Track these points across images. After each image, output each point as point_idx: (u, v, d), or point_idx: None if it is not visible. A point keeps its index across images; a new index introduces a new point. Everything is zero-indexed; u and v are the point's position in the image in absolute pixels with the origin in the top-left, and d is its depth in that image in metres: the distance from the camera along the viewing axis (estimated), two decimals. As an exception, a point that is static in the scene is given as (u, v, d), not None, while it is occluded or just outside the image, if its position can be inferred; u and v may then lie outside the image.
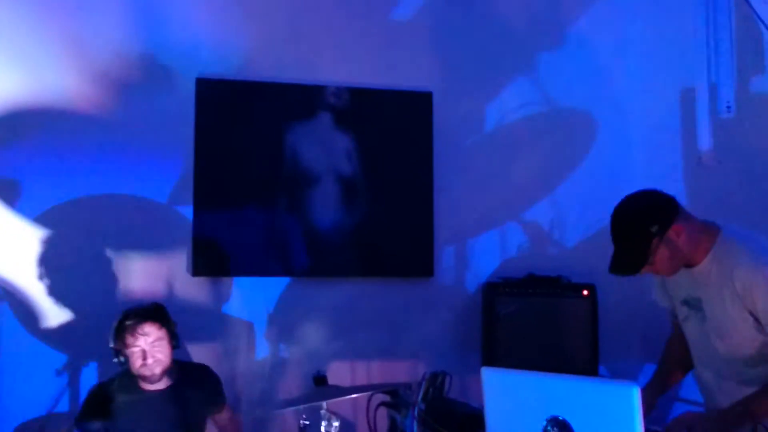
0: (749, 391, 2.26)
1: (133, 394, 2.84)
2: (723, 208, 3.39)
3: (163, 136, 3.52)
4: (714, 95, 3.14)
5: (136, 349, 2.76)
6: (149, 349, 2.76)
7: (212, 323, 3.54)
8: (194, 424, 2.91)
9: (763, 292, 2.21)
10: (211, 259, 3.51)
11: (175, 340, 2.87)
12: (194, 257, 3.48)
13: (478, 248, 3.84)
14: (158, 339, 2.78)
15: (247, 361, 3.56)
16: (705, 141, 3.09)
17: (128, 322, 2.77)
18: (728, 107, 2.97)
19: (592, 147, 3.97)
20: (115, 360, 2.82)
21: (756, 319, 2.25)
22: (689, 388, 3.20)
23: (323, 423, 2.16)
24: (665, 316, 2.86)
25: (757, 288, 2.21)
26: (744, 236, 2.35)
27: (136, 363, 2.77)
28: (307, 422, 2.61)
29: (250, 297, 3.60)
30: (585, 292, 3.61)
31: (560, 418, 1.65)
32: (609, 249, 3.84)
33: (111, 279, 3.44)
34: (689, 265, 2.37)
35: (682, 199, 3.50)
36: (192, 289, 3.51)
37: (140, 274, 3.46)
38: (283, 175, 3.60)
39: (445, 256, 3.79)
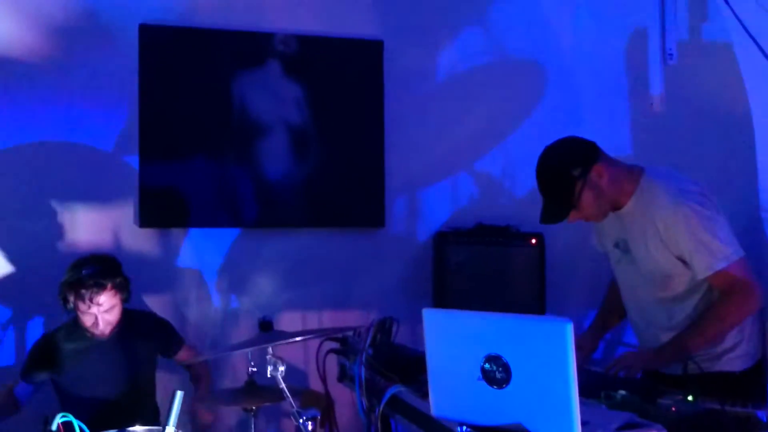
0: (676, 327, 2.35)
1: (81, 342, 2.83)
2: (671, 154, 3.45)
3: (107, 84, 3.43)
4: (662, 43, 3.18)
5: (88, 316, 2.73)
6: (101, 315, 2.74)
7: (162, 274, 3.50)
8: (142, 371, 2.92)
9: (683, 230, 2.28)
10: (159, 210, 3.46)
11: (127, 299, 2.84)
12: (141, 208, 3.43)
13: (429, 198, 3.86)
14: (112, 306, 2.75)
15: (198, 312, 3.54)
16: (656, 87, 3.13)
17: (83, 289, 2.68)
18: (670, 55, 3.01)
19: (543, 96, 3.98)
20: (63, 306, 2.78)
21: (679, 258, 2.33)
22: (632, 333, 3.31)
23: (269, 368, 2.17)
24: (609, 263, 2.93)
25: (676, 227, 2.29)
26: (665, 176, 2.41)
27: (86, 323, 2.75)
28: (254, 369, 2.63)
29: (199, 248, 3.56)
30: (533, 241, 3.67)
31: (497, 355, 1.68)
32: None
33: (55, 230, 3.37)
34: (616, 208, 2.44)
35: (631, 146, 3.58)
36: (140, 240, 3.46)
37: (86, 225, 3.40)
38: (232, 125, 3.55)
39: (396, 206, 3.80)
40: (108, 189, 3.45)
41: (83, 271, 2.71)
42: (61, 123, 3.38)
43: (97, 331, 2.76)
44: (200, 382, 3.04)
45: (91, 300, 2.69)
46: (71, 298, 2.72)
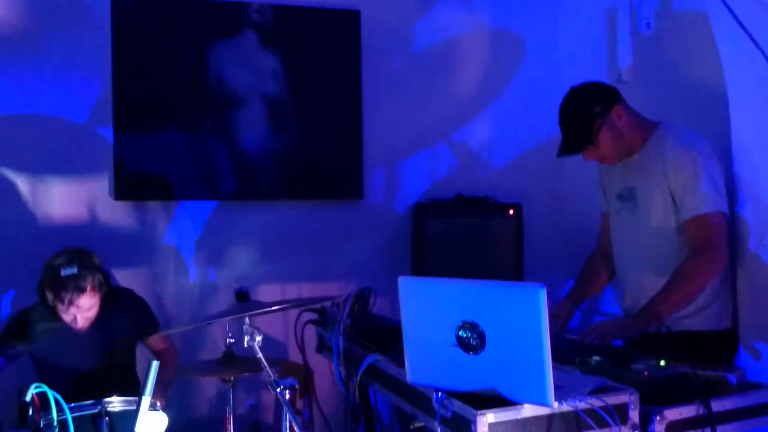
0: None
1: (57, 321, 2.80)
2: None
3: (80, 55, 3.37)
4: (635, 13, 3.17)
5: (67, 315, 2.70)
6: (80, 315, 2.71)
7: (138, 248, 3.48)
8: (120, 345, 2.90)
9: (687, 169, 2.38)
10: (134, 183, 3.42)
11: (107, 292, 2.79)
12: (116, 180, 3.39)
13: (407, 170, 3.85)
14: (91, 306, 2.72)
15: (175, 286, 3.53)
16: (625, 58, 3.14)
17: (63, 293, 2.62)
18: (648, 24, 3.00)
19: (520, 67, 3.98)
20: (41, 298, 2.73)
21: (672, 198, 2.41)
22: (609, 303, 3.34)
23: (246, 338, 2.16)
24: (587, 235, 2.95)
25: (682, 166, 2.39)
26: (680, 130, 2.52)
27: (66, 319, 2.72)
28: (232, 339, 2.64)
29: (176, 221, 3.54)
30: (511, 212, 3.68)
31: (472, 321, 1.69)
32: (535, 170, 3.93)
33: (29, 203, 3.33)
34: (628, 155, 2.53)
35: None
36: (115, 213, 3.43)
37: (60, 198, 3.36)
38: (207, 96, 3.50)
39: (374, 177, 3.79)
40: (82, 161, 3.40)
41: (61, 272, 2.63)
42: (33, 95, 3.32)
43: (75, 327, 2.74)
44: (163, 369, 3.00)
45: (70, 302, 2.65)
46: (50, 298, 2.67)
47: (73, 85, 3.37)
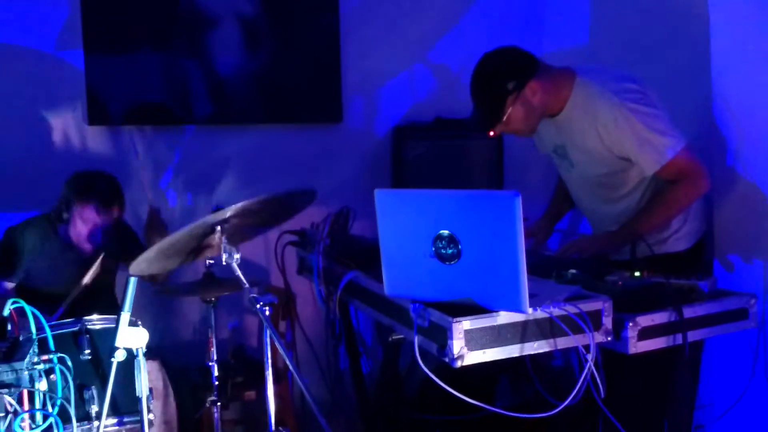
0: (621, 209, 2.41)
1: (49, 238, 2.80)
2: (624, 42, 3.41)
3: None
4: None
5: (86, 227, 2.75)
6: (95, 230, 2.75)
7: (115, 174, 3.39)
8: (110, 270, 2.91)
9: (625, 131, 2.27)
10: (108, 107, 3.35)
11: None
12: (89, 105, 3.32)
13: (386, 92, 3.79)
14: (110, 222, 2.78)
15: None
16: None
17: (99, 199, 2.72)
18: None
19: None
20: (55, 214, 2.80)
21: (622, 158, 2.34)
22: (587, 224, 3.37)
23: (224, 255, 2.16)
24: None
25: (618, 129, 2.27)
26: (599, 75, 2.37)
27: (83, 233, 2.76)
28: (212, 261, 2.64)
29: (153, 146, 3.49)
30: (491, 133, 3.65)
31: (448, 231, 1.70)
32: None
33: (2, 133, 3.26)
34: (552, 115, 2.42)
35: (588, 35, 3.51)
36: (90, 139, 3.38)
37: (34, 125, 3.30)
38: (180, 15, 3.40)
39: (353, 101, 3.74)
40: (53, 86, 3.32)
41: (99, 184, 2.77)
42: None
43: (84, 245, 2.79)
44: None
45: (99, 210, 2.73)
46: (77, 206, 2.74)
47: (37, 7, 3.26)
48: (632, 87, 2.30)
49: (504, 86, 2.30)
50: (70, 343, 2.14)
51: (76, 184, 2.78)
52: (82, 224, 2.76)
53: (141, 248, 2.97)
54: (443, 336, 1.70)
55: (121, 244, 2.93)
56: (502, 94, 2.31)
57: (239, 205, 2.17)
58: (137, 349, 2.00)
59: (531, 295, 1.67)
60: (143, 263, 2.25)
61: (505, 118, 2.33)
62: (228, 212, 2.16)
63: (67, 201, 2.77)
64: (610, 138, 2.30)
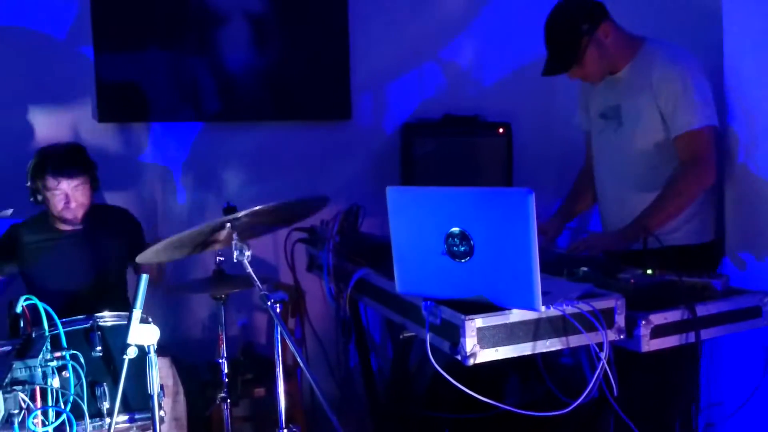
0: (650, 198, 2.40)
1: (48, 235, 2.80)
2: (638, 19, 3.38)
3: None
4: None
5: (58, 192, 2.69)
6: (71, 192, 2.69)
7: (125, 171, 3.44)
8: (111, 264, 2.91)
9: (677, 83, 2.36)
10: (118, 104, 3.36)
11: (95, 182, 2.81)
12: (99, 102, 3.33)
13: (396, 89, 3.79)
14: (81, 183, 2.72)
15: (163, 208, 3.51)
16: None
17: (50, 166, 2.65)
18: None
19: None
20: (32, 199, 2.74)
21: (661, 115, 2.40)
22: (599, 222, 3.36)
23: (235, 252, 2.16)
24: (577, 153, 2.93)
25: (671, 80, 2.37)
26: (667, 45, 2.49)
27: (58, 206, 2.71)
28: (222, 258, 2.64)
29: (162, 143, 3.50)
30: (500, 131, 3.65)
31: (460, 228, 1.69)
32: (525, 88, 3.87)
33: (10, 130, 3.27)
34: (612, 72, 2.52)
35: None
36: (100, 136, 3.38)
37: (42, 120, 3.31)
38: (190, 14, 3.40)
39: (362, 98, 3.73)
40: (62, 82, 3.33)
41: (50, 150, 2.71)
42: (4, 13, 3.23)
43: (68, 215, 2.72)
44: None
45: (60, 173, 2.64)
46: (39, 181, 2.67)
47: (48, 3, 3.27)
48: (694, 60, 2.42)
49: (579, 27, 2.41)
50: (81, 340, 2.14)
51: (33, 161, 2.72)
52: (52, 196, 2.68)
53: (144, 246, 2.98)
54: (455, 334, 1.70)
55: (126, 239, 2.92)
56: (578, 35, 2.40)
57: (251, 210, 2.18)
58: (149, 346, 2.00)
59: (544, 293, 1.66)
60: (150, 253, 2.25)
61: (580, 59, 2.43)
62: (240, 214, 2.17)
63: (32, 180, 2.70)
64: (660, 88, 2.39)
